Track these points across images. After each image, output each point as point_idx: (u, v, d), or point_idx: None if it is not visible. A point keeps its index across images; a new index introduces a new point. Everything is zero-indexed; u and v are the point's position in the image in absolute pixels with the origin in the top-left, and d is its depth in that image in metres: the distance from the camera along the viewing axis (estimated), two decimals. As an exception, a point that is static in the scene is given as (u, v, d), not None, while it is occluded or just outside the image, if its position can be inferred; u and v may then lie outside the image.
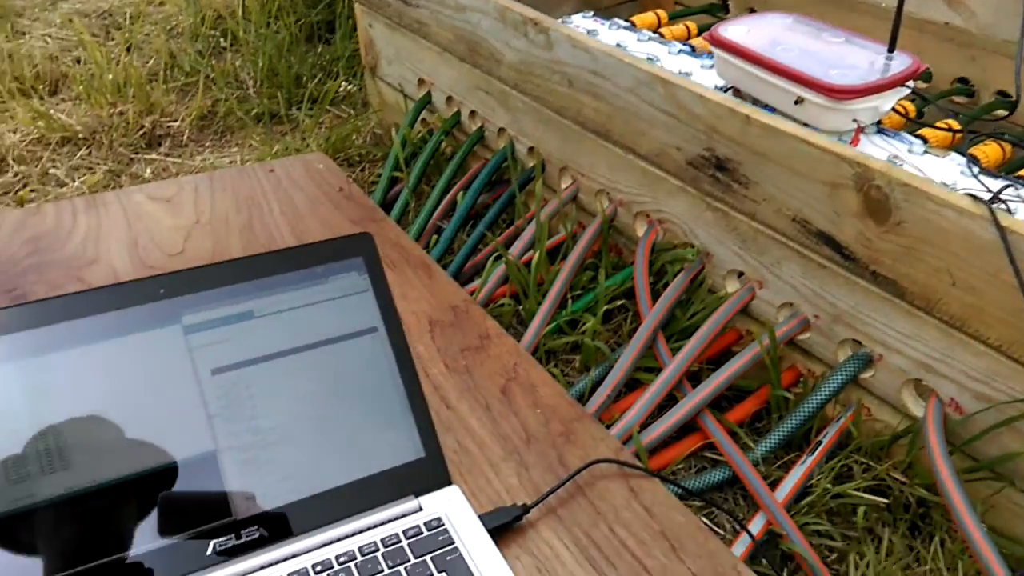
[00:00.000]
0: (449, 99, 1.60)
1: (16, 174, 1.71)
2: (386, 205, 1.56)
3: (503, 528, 0.57)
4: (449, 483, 0.58)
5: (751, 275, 1.12)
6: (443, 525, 0.55)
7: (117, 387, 0.51)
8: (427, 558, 0.53)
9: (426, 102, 1.67)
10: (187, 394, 0.52)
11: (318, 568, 0.52)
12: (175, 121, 1.90)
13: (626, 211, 1.28)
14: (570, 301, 1.23)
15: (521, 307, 1.27)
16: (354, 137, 1.84)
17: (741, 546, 0.89)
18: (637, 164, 1.22)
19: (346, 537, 0.54)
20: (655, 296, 1.15)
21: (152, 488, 0.50)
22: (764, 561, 0.92)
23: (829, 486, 0.96)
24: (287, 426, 0.54)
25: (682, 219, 1.19)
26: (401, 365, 0.59)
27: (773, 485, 0.97)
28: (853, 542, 0.95)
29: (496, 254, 1.29)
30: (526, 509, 0.58)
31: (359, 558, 0.52)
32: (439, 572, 0.52)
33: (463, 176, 1.53)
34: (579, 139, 1.30)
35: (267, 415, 0.54)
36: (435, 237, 1.42)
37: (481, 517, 0.56)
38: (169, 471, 0.51)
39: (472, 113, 1.56)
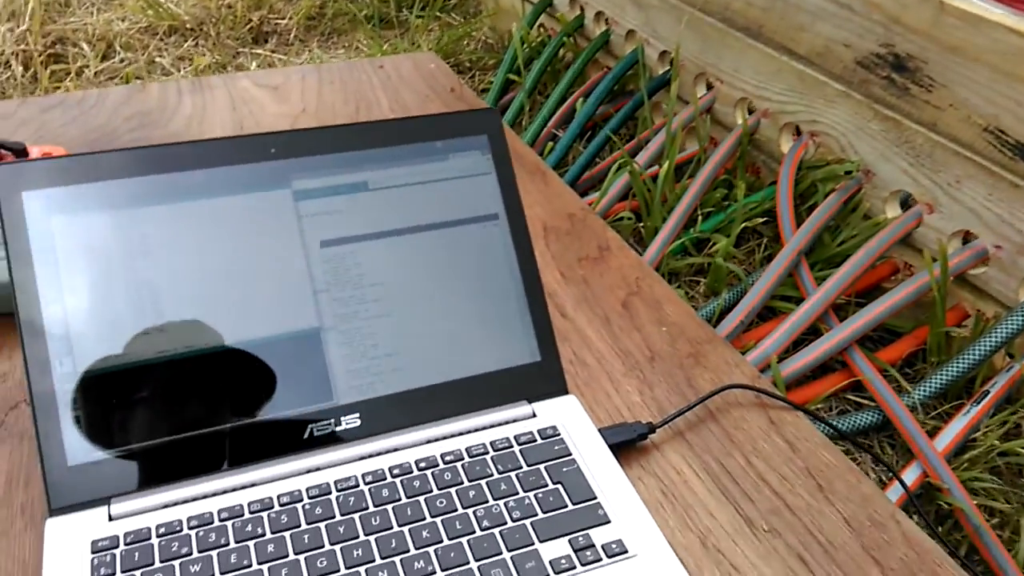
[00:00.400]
0: (573, -2, 1.53)
1: (123, 60, 1.76)
2: (499, 110, 1.52)
3: (624, 445, 0.53)
4: (566, 392, 0.55)
5: (920, 197, 1.02)
6: (559, 435, 0.52)
7: (220, 249, 0.49)
8: (541, 467, 0.50)
9: (547, 3, 1.61)
10: (294, 265, 0.50)
11: (422, 465, 0.49)
12: (283, 19, 1.92)
13: (771, 123, 1.19)
14: (699, 220, 1.17)
15: (642, 224, 1.21)
16: (465, 43, 1.80)
17: (891, 497, 0.83)
18: (792, 66, 1.12)
19: (452, 436, 0.51)
20: (799, 220, 1.07)
21: (251, 360, 0.49)
22: (915, 517, 0.85)
23: (996, 442, 0.88)
24: (397, 311, 0.52)
25: (841, 130, 1.09)
26: (522, 259, 0.55)
27: (930, 435, 0.89)
28: (1018, 505, 0.87)
29: (618, 163, 1.23)
30: (651, 428, 0.54)
31: (466, 459, 0.50)
32: (554, 483, 0.49)
33: (582, 85, 1.47)
34: (723, 39, 1.21)
35: (377, 297, 0.51)
36: (550, 145, 1.37)
37: (601, 431, 0.53)
38: (270, 344, 0.49)
39: (598, 15, 1.48)
